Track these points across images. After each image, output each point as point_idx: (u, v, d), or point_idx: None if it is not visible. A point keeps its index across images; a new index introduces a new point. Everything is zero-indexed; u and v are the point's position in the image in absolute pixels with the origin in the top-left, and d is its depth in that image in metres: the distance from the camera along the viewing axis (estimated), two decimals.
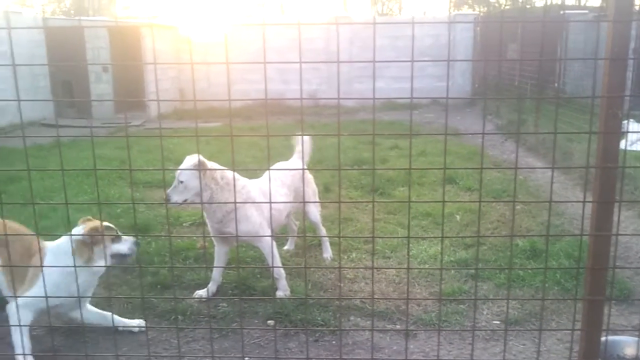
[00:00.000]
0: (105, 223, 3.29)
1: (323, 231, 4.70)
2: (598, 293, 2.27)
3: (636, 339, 2.69)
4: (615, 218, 2.21)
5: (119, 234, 3.36)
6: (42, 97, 13.28)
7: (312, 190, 4.64)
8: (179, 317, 3.70)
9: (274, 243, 3.97)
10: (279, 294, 3.94)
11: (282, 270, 4.03)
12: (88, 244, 3.18)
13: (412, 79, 2.12)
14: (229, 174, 3.76)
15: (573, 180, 7.02)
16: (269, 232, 3.80)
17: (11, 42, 2.26)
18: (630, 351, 2.71)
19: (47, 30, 13.70)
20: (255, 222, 3.90)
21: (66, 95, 13.57)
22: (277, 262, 4.02)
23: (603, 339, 2.47)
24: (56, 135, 7.41)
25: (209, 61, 14.40)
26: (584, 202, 2.22)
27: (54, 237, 3.37)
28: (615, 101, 2.19)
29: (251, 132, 10.81)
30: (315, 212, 4.61)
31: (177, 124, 12.41)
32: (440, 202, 2.22)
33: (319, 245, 4.80)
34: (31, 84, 13.00)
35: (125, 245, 3.33)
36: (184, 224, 5.51)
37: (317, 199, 4.73)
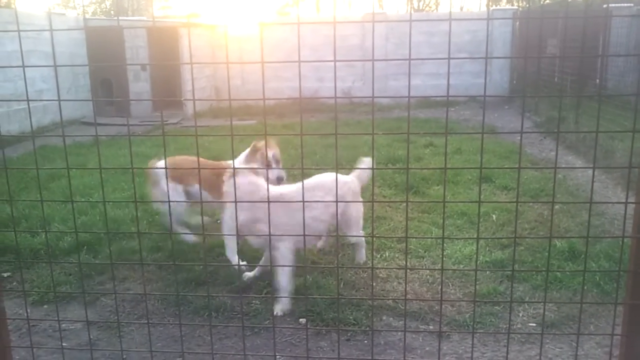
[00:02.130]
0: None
1: (361, 241, 4.48)
2: None
3: None
4: None
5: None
6: (83, 95, 13.62)
7: (355, 210, 4.27)
8: (213, 313, 3.74)
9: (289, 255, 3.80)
10: (277, 308, 3.77)
11: (284, 283, 3.79)
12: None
13: (449, 76, 2.08)
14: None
15: (614, 180, 6.81)
16: (286, 243, 3.76)
17: (53, 43, 2.31)
18: None
19: (87, 29, 14.04)
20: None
21: (106, 93, 13.87)
22: (284, 275, 3.80)
23: None
24: (94, 135, 7.54)
25: (243, 58, 14.51)
26: (626, 202, 2.14)
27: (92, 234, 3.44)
28: None
29: (284, 130, 10.85)
30: (357, 233, 4.31)
31: (213, 122, 12.56)
32: (475, 202, 2.17)
33: (351, 244, 4.75)
34: (72, 82, 13.34)
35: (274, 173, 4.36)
36: (218, 221, 5.56)
37: (360, 222, 4.40)
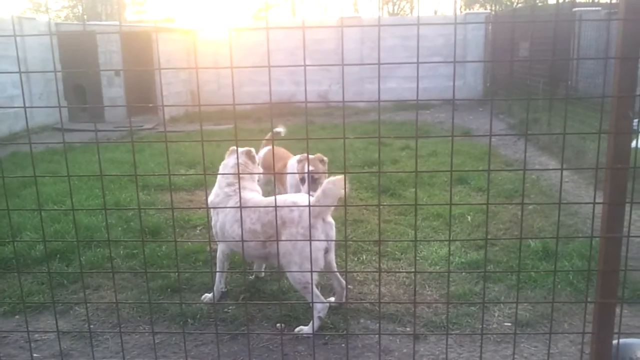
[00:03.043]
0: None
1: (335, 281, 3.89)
2: (609, 295, 2.23)
3: None
4: (630, 219, 2.17)
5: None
6: (55, 101, 13.40)
7: (291, 245, 3.48)
8: (189, 320, 3.70)
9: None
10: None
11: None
12: None
13: (418, 80, 2.10)
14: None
15: (587, 180, 6.94)
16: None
17: (17, 49, 2.27)
18: None
19: (60, 34, 13.84)
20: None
21: (79, 98, 13.67)
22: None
23: (616, 341, 2.43)
24: (62, 142, 7.44)
25: (219, 62, 14.44)
26: (594, 203, 2.18)
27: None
28: (626, 101, 2.15)
29: (261, 134, 10.81)
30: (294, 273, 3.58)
31: (189, 127, 12.47)
32: (447, 204, 2.19)
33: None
34: (44, 88, 13.13)
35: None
36: (198, 228, 5.52)
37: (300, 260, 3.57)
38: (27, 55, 12.49)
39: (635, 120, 2.14)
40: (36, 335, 3.57)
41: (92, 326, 3.70)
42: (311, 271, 3.05)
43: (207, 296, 3.94)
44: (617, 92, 2.14)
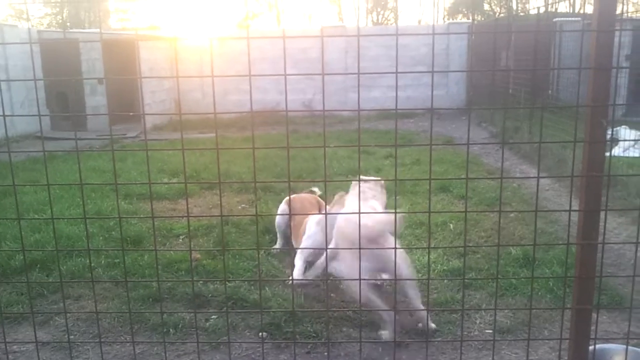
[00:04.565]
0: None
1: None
2: (586, 301, 2.26)
3: (625, 346, 2.68)
4: (605, 226, 2.21)
5: None
6: (37, 109, 13.27)
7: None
8: (171, 330, 3.68)
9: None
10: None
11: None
12: None
13: (397, 90, 2.13)
14: None
15: (567, 188, 7.02)
16: None
17: None
18: (619, 359, 2.69)
19: (42, 42, 13.74)
20: None
21: (62, 106, 13.57)
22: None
23: (593, 347, 2.47)
24: (48, 150, 7.38)
25: (203, 70, 14.43)
26: (569, 210, 2.22)
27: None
28: (600, 110, 2.20)
29: (245, 142, 10.82)
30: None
31: (173, 135, 12.42)
32: (426, 212, 2.22)
33: None
34: (26, 96, 13.01)
35: None
36: (180, 237, 5.49)
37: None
38: (8, 62, 12.39)
39: (616, 128, 2.20)
40: (15, 347, 3.53)
41: (72, 337, 3.66)
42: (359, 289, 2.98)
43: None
44: (591, 102, 2.18)
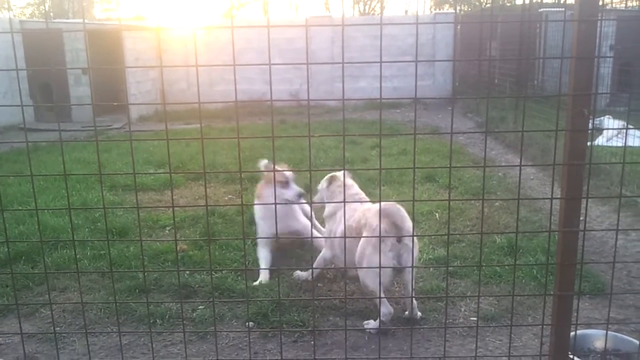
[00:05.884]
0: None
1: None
2: (567, 288, 2.30)
3: (605, 332, 2.73)
4: (586, 214, 2.24)
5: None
6: (20, 99, 13.10)
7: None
8: (158, 321, 3.68)
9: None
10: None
11: None
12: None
13: (381, 80, 2.13)
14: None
15: (551, 177, 7.10)
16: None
17: None
18: (600, 344, 2.75)
19: (24, 32, 13.53)
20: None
21: (46, 97, 13.40)
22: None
23: (574, 333, 2.51)
24: (31, 141, 7.32)
25: (189, 60, 14.31)
26: (551, 198, 2.25)
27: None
28: (582, 99, 2.22)
29: (231, 133, 10.78)
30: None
31: (159, 126, 12.34)
32: (410, 200, 2.24)
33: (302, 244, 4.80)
34: (9, 86, 12.84)
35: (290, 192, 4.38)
36: (167, 228, 5.47)
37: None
38: None
39: (601, 118, 2.22)
40: (0, 339, 3.51)
41: (58, 328, 3.65)
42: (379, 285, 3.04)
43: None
44: (573, 91, 2.20)
